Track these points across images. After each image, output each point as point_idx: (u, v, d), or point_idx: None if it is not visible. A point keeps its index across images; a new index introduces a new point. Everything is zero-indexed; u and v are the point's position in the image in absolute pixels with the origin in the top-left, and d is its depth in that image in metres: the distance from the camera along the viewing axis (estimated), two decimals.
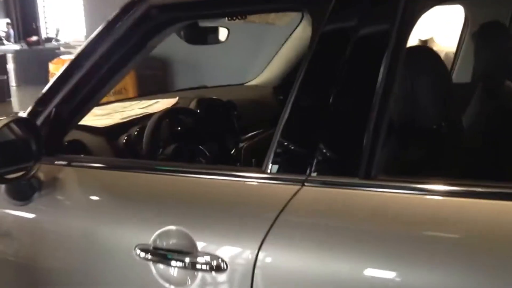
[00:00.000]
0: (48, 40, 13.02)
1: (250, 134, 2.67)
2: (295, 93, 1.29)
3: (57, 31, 13.20)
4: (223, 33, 2.43)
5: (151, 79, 5.74)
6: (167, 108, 2.12)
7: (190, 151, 2.04)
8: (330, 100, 1.25)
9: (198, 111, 2.36)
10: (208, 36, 2.39)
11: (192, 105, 2.41)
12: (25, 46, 11.66)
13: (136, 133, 2.13)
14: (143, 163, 1.72)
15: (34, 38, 11.90)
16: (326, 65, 1.29)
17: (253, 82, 3.19)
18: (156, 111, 2.36)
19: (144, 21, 1.56)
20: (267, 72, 3.11)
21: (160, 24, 1.61)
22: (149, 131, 1.95)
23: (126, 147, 2.08)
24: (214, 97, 2.49)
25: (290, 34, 2.94)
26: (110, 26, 1.59)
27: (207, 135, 2.21)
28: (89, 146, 1.97)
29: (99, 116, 2.27)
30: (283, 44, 2.98)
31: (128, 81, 5.41)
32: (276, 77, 3.08)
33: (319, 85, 1.31)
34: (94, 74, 1.60)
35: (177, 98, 2.51)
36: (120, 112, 2.35)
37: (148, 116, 2.31)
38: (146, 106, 2.47)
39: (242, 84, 3.22)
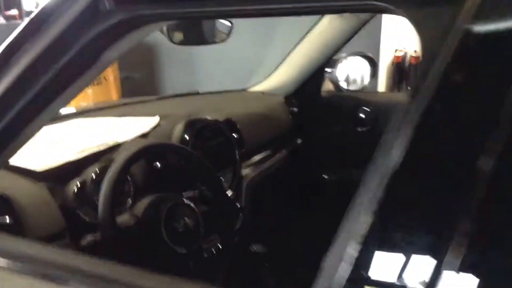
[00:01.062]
0: (29, 14, 12.23)
1: (255, 160, 2.03)
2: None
3: (37, 4, 12.38)
4: (223, 28, 1.76)
5: (135, 70, 5.02)
6: (139, 145, 1.44)
7: (170, 208, 1.38)
8: None
9: (186, 138, 1.71)
10: (202, 33, 1.72)
11: (177, 131, 1.76)
12: (2, 20, 10.81)
13: (94, 177, 1.47)
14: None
15: (14, 11, 11.04)
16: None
17: (258, 88, 2.53)
18: (126, 138, 1.70)
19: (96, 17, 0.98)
20: (276, 77, 2.46)
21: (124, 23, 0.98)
22: (108, 185, 1.30)
23: (77, 204, 1.43)
24: (207, 117, 1.83)
25: (306, 34, 2.27)
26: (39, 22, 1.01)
27: (196, 176, 1.55)
28: (18, 208, 1.31)
29: (45, 144, 1.61)
30: (296, 45, 2.31)
31: (109, 70, 4.68)
32: (288, 84, 2.42)
33: None
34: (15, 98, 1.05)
35: (158, 118, 1.84)
36: (76, 138, 1.69)
37: (117, 146, 1.66)
38: (115, 128, 1.81)
39: (244, 90, 2.55)
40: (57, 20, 1.00)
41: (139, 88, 5.04)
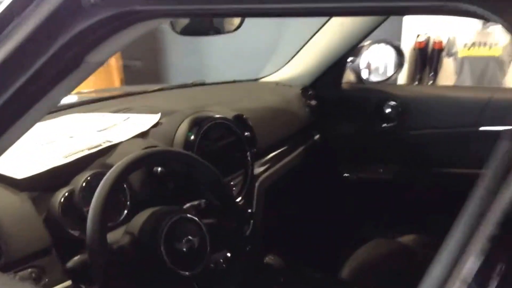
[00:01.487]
0: None
1: (268, 159, 1.85)
2: None
3: None
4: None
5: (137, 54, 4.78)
6: (136, 155, 1.24)
7: (172, 224, 1.19)
8: None
9: (191, 139, 1.52)
10: (209, 23, 1.52)
11: (181, 130, 1.56)
12: None
13: (84, 186, 1.29)
14: None
15: None
16: None
17: (271, 78, 2.32)
18: (122, 138, 1.51)
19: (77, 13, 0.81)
20: (293, 65, 2.25)
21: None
22: (98, 202, 1.11)
23: (64, 218, 1.26)
24: (215, 114, 1.63)
25: (325, 23, 2.07)
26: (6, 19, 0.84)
27: (202, 185, 1.36)
28: None
29: (29, 146, 1.43)
30: (316, 31, 2.10)
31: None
32: (306, 74, 2.22)
33: None
34: None
35: (159, 116, 1.65)
36: (64, 139, 1.50)
37: (111, 149, 1.47)
38: (110, 126, 1.62)
39: (257, 79, 2.35)
40: (29, 16, 0.83)
41: (141, 76, 4.83)
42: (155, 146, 1.50)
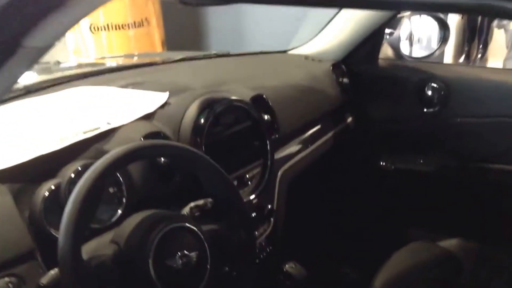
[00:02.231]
0: None
1: (292, 146, 1.67)
2: None
3: None
4: None
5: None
6: (124, 149, 1.06)
7: (165, 235, 1.02)
8: None
9: (200, 123, 1.35)
10: None
11: (190, 113, 1.39)
12: None
13: (72, 177, 1.13)
14: None
15: None
16: None
17: (300, 51, 2.13)
18: (123, 121, 1.35)
19: None
20: (323, 38, 2.06)
21: None
22: (76, 199, 0.95)
23: (48, 216, 1.10)
24: (231, 96, 1.45)
25: None
26: None
27: (206, 187, 1.19)
28: None
29: (13, 129, 1.27)
30: None
31: (151, 11, 4.23)
32: (337, 47, 2.03)
33: None
34: None
35: (167, 95, 1.47)
36: (56, 119, 1.34)
37: (110, 133, 1.31)
38: (111, 104, 1.45)
39: (285, 51, 2.16)
40: None
41: (182, 40, 4.64)
42: (158, 132, 1.33)
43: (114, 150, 1.02)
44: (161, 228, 1.01)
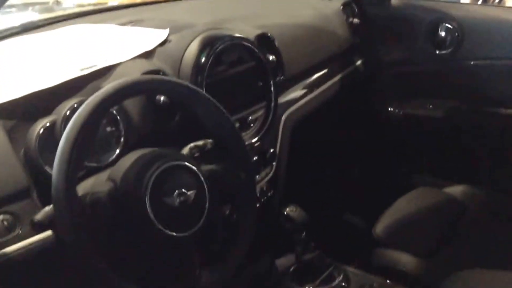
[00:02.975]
0: None
1: (297, 89, 1.65)
2: None
3: None
4: None
5: None
6: (120, 82, 1.04)
7: (163, 172, 1.01)
8: None
9: (201, 62, 1.32)
10: None
11: (191, 51, 1.36)
12: None
13: (68, 115, 1.12)
14: None
15: None
16: None
17: None
18: (122, 58, 1.33)
19: None
20: None
21: None
22: (71, 130, 0.94)
23: (42, 153, 1.10)
24: (235, 34, 1.42)
25: None
26: None
27: (207, 126, 1.17)
28: None
29: (9, 65, 1.26)
30: None
31: None
32: None
33: None
34: None
35: (167, 32, 1.45)
36: (54, 56, 1.32)
37: (108, 71, 1.30)
38: (110, 42, 1.43)
39: None
40: None
41: None
42: (157, 70, 1.31)
43: (109, 85, 1.01)
44: (159, 165, 1.00)
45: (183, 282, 1.04)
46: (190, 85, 1.15)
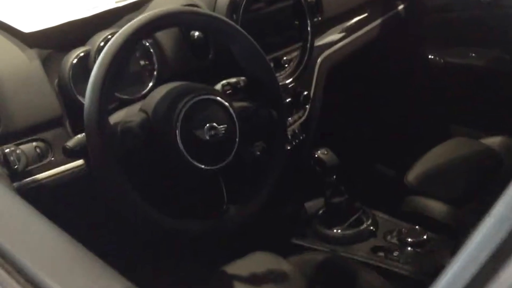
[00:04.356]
0: None
1: (335, 32, 1.63)
2: None
3: None
4: None
5: None
6: (157, 12, 1.03)
7: (193, 106, 1.01)
8: None
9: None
10: None
11: None
12: None
13: (102, 46, 1.12)
14: None
15: None
16: None
17: None
18: None
19: None
20: None
21: None
22: (104, 58, 0.95)
23: (76, 83, 1.11)
24: None
25: None
26: None
27: (242, 63, 1.16)
28: None
29: None
30: None
31: None
32: None
33: None
34: None
35: None
36: None
37: (144, 4, 1.30)
38: None
39: None
40: None
41: None
42: (193, 5, 1.29)
43: (142, 15, 1.00)
44: (191, 98, 1.00)
45: (210, 215, 1.05)
46: (226, 19, 1.13)
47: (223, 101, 1.05)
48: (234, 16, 1.32)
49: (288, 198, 1.57)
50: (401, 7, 1.92)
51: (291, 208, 1.58)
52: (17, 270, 0.58)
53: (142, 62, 1.22)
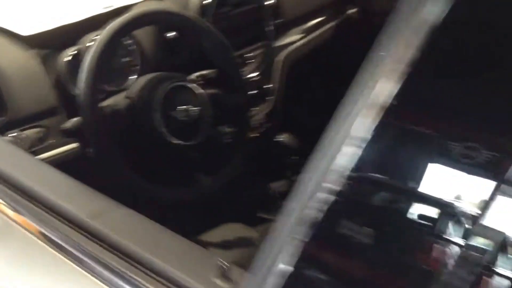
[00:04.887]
0: None
1: (294, 33, 1.82)
2: None
3: None
4: None
5: None
6: (138, 12, 1.24)
7: (170, 91, 1.22)
8: None
9: (207, 2, 1.51)
10: None
11: None
12: None
13: (91, 45, 1.31)
14: None
15: None
16: None
17: None
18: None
19: None
20: None
21: None
22: (95, 51, 1.15)
23: (70, 77, 1.31)
24: None
25: None
26: None
27: (212, 56, 1.37)
28: (2, 78, 1.25)
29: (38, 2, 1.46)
30: None
31: None
32: None
33: None
34: None
35: None
36: None
37: (125, 10, 1.48)
38: None
39: None
40: None
41: None
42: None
43: (122, 16, 1.20)
44: (169, 83, 1.20)
45: (185, 183, 1.25)
46: (198, 18, 1.33)
47: (196, 87, 1.26)
48: (205, 18, 1.52)
49: (257, 179, 1.77)
50: (353, 10, 2.12)
51: (259, 187, 1.78)
52: None
53: (126, 59, 1.42)
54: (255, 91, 1.64)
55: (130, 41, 1.40)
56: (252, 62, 1.67)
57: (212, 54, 1.36)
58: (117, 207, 0.88)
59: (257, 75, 1.66)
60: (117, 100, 1.27)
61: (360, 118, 0.60)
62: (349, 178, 0.59)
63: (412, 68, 0.58)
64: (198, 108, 1.24)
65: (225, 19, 1.58)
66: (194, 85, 1.26)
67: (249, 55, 1.66)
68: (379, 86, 0.59)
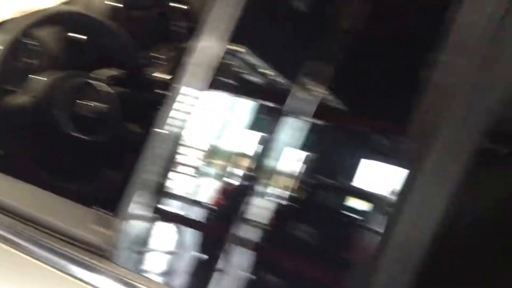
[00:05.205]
0: None
1: None
2: None
3: None
4: None
5: None
6: (40, 15, 1.25)
7: (73, 89, 1.23)
8: None
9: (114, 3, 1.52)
10: None
11: None
12: None
13: None
14: None
15: None
16: None
17: None
18: (49, 3, 1.50)
19: None
20: None
21: None
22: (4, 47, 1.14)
23: None
24: None
25: None
26: None
27: (117, 55, 1.39)
28: None
29: None
30: None
31: None
32: None
33: None
34: None
35: None
36: None
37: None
38: None
39: None
40: None
41: None
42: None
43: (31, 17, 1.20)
44: (76, 81, 1.21)
45: (89, 177, 1.27)
46: (103, 19, 1.35)
47: (102, 85, 1.27)
48: (115, 20, 1.53)
49: None
50: None
51: None
52: None
53: (31, 60, 1.42)
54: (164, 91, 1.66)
55: (35, 42, 1.40)
56: (166, 63, 1.69)
57: (118, 54, 1.37)
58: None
59: (170, 77, 1.68)
60: (23, 98, 1.27)
61: None
62: None
63: None
64: (105, 106, 1.25)
65: (136, 21, 1.59)
66: (100, 83, 1.27)
67: (161, 56, 1.67)
68: None
